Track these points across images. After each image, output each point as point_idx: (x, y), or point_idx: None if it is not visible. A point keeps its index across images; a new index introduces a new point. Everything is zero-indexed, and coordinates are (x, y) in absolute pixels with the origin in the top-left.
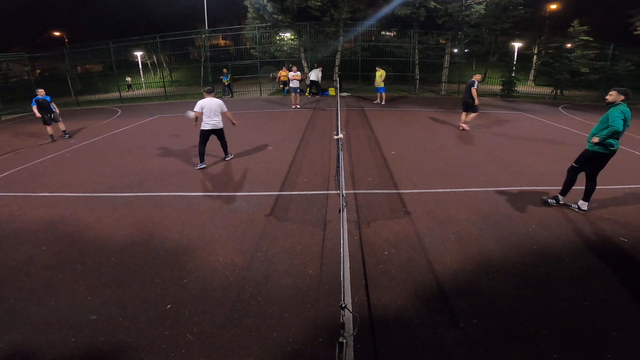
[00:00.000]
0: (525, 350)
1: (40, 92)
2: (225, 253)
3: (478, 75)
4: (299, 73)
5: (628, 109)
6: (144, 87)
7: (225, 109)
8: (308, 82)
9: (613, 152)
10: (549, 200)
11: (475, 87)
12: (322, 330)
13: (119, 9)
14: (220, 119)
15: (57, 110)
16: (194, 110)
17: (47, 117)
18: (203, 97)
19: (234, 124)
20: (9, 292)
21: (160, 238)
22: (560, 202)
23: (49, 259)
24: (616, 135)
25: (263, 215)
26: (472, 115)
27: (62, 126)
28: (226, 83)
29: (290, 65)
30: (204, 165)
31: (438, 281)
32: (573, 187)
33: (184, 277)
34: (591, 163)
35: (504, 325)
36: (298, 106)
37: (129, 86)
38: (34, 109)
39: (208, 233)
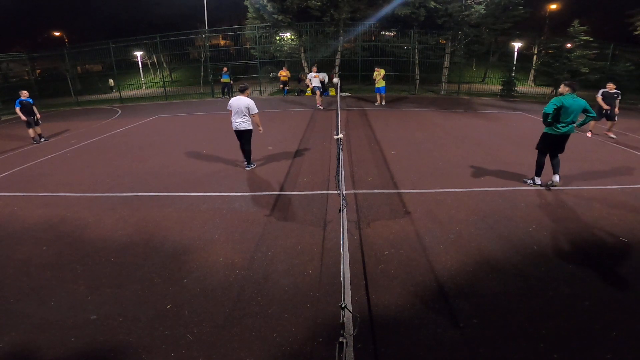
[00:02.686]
0: (525, 350)
1: (24, 94)
2: (225, 253)
3: (610, 84)
4: (321, 74)
5: (572, 100)
6: (143, 87)
7: (254, 112)
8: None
9: (561, 133)
10: (527, 181)
11: (599, 95)
12: (322, 330)
13: (119, 9)
14: (247, 120)
15: (39, 115)
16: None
17: (31, 120)
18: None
19: (260, 130)
20: (9, 292)
21: (160, 238)
22: (537, 183)
23: (49, 259)
24: (546, 115)
25: (263, 215)
26: (604, 121)
27: (39, 130)
28: (225, 82)
29: (311, 67)
30: (250, 167)
31: (438, 281)
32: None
33: (184, 277)
34: (548, 143)
35: (504, 325)
36: (321, 107)
37: (112, 87)
38: (18, 110)
39: (208, 233)
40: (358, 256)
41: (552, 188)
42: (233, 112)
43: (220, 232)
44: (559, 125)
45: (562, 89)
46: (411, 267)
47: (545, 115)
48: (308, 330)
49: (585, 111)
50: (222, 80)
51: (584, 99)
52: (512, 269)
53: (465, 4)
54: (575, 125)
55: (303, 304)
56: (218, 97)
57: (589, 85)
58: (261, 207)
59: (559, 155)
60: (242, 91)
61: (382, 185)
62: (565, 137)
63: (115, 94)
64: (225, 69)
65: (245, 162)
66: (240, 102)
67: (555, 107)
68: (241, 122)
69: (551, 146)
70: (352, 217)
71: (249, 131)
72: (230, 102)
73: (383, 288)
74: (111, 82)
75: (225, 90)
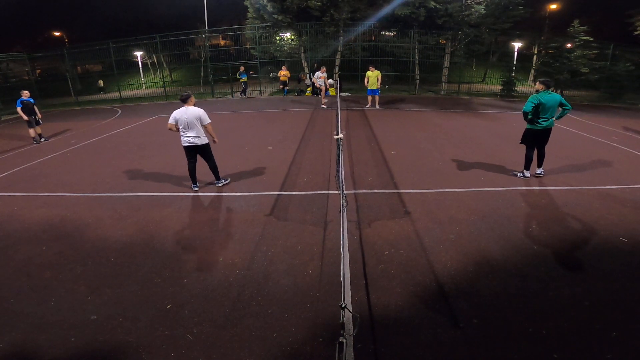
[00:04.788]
0: (525, 350)
1: (25, 94)
2: (225, 253)
3: None
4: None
5: (548, 96)
6: (143, 87)
7: (207, 122)
8: (309, 82)
9: (542, 128)
10: (518, 174)
11: None
12: (322, 330)
13: (119, 9)
14: (201, 133)
15: (40, 114)
16: (169, 121)
17: (32, 119)
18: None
19: (214, 141)
20: (9, 292)
21: (160, 238)
22: (526, 176)
23: (49, 259)
24: (526, 114)
25: (263, 215)
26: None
27: (39, 130)
28: (244, 81)
29: (317, 65)
30: (197, 188)
31: (438, 281)
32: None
33: (184, 277)
34: (531, 138)
35: (504, 325)
36: (324, 106)
37: (101, 89)
38: (20, 110)
39: (208, 233)
40: (358, 256)
41: (552, 188)
42: (181, 126)
43: (220, 232)
44: (539, 121)
45: (538, 86)
46: (411, 267)
47: (525, 114)
48: (308, 330)
49: (561, 105)
50: (241, 80)
51: (584, 99)
52: (512, 269)
53: (465, 4)
54: (554, 118)
55: (303, 304)
56: (228, 97)
57: (589, 86)
58: (261, 207)
59: (545, 149)
60: (184, 101)
61: (382, 185)
62: (547, 131)
63: (115, 94)
64: (242, 68)
65: (216, 179)
66: (189, 113)
67: (534, 104)
68: (194, 137)
69: (535, 140)
70: (352, 217)
71: (206, 145)
72: (174, 115)
73: (383, 288)
74: (100, 83)
75: (245, 90)
